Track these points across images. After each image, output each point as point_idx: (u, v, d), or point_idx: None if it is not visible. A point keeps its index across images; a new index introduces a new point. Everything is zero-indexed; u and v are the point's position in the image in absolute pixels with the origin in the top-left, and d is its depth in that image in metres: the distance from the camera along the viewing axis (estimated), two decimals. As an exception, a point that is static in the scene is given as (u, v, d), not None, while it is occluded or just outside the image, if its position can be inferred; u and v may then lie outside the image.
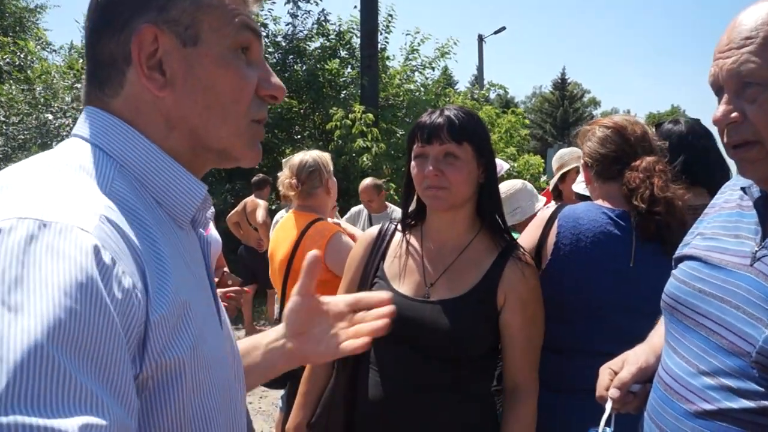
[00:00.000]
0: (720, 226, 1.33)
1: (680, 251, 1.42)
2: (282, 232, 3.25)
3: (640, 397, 1.39)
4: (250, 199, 7.83)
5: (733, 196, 1.37)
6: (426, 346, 1.73)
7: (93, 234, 0.66)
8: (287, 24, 13.25)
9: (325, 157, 3.27)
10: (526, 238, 2.04)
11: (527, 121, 14.95)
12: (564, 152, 3.84)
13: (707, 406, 1.16)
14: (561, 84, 43.09)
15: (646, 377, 1.39)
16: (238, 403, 0.93)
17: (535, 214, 3.88)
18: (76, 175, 0.77)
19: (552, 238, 1.95)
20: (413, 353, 1.74)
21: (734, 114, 1.14)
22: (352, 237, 3.11)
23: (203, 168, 0.94)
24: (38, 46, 15.10)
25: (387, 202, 5.81)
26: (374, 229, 1.99)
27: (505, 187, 3.60)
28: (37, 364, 0.55)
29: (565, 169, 3.62)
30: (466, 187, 1.78)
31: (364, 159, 9.41)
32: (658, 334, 1.52)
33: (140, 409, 0.71)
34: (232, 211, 7.97)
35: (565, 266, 1.93)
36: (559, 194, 3.76)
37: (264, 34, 12.80)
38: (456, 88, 19.95)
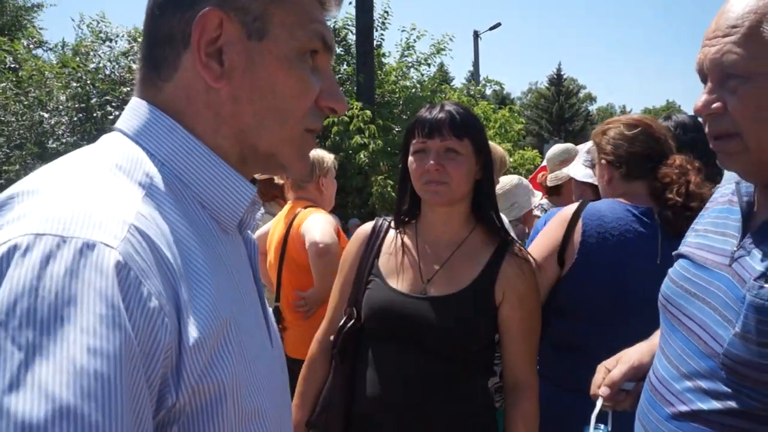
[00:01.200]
0: (711, 222, 1.30)
1: (679, 249, 1.39)
2: (277, 222, 3.31)
3: (633, 396, 1.38)
4: None
5: (727, 190, 1.33)
6: (424, 342, 1.73)
7: (118, 249, 0.61)
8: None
9: (324, 157, 3.29)
10: (549, 237, 2.01)
11: (523, 120, 14.95)
12: (568, 147, 3.80)
13: (683, 408, 1.15)
14: (557, 80, 43.04)
15: (639, 376, 1.39)
16: (288, 429, 0.87)
17: (531, 210, 3.91)
18: (111, 177, 0.71)
19: (577, 237, 1.93)
20: (411, 349, 1.74)
21: (715, 105, 1.11)
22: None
23: (248, 175, 0.86)
24: (32, 45, 15.03)
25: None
26: (367, 226, 1.98)
27: (501, 183, 3.61)
28: (56, 422, 0.52)
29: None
30: (465, 182, 1.78)
31: (362, 156, 9.41)
32: (657, 333, 1.52)
33: None
34: None
35: (592, 265, 1.91)
36: (555, 188, 3.75)
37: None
38: (452, 84, 19.92)
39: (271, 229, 3.35)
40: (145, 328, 0.61)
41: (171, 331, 0.64)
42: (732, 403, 1.08)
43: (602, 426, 1.32)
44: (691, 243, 1.32)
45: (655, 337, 1.49)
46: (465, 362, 1.75)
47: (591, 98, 47.94)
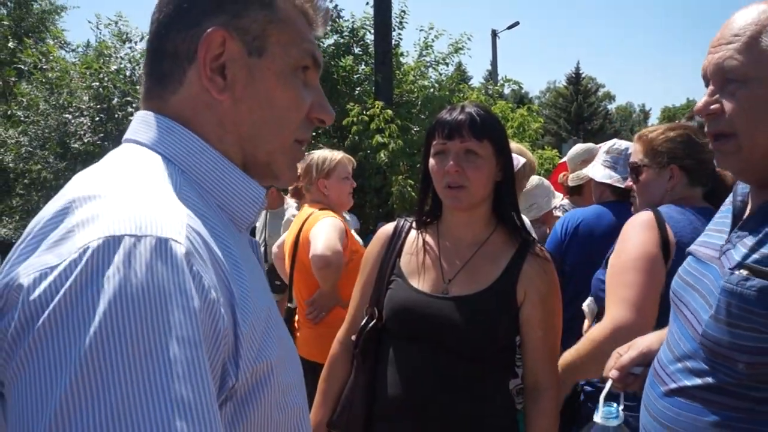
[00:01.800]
0: (715, 221, 1.43)
1: (689, 248, 1.49)
2: (292, 226, 3.35)
3: (641, 379, 1.46)
4: None
5: (735, 190, 1.42)
6: (445, 342, 1.74)
7: (184, 245, 0.67)
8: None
9: (326, 158, 3.24)
10: (643, 241, 1.90)
11: (541, 120, 14.86)
12: (590, 147, 3.75)
13: (673, 386, 1.28)
14: (575, 79, 42.72)
15: (647, 361, 1.46)
16: (306, 402, 0.94)
17: (551, 211, 3.90)
18: (155, 182, 0.77)
19: (672, 239, 1.91)
20: (432, 350, 1.75)
21: (714, 106, 1.22)
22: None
23: None
24: (56, 45, 15.25)
25: (285, 196, 5.59)
26: (390, 227, 2.00)
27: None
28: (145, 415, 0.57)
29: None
30: (485, 185, 1.80)
31: (381, 155, 9.42)
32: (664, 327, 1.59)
33: (231, 415, 0.73)
34: None
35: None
36: (576, 188, 3.74)
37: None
38: (470, 83, 19.87)
39: (288, 230, 3.40)
40: (207, 317, 0.67)
41: (227, 321, 0.70)
42: (710, 379, 1.20)
43: (614, 404, 1.38)
44: (697, 241, 1.44)
45: (658, 330, 1.59)
46: (486, 363, 1.77)
47: (610, 97, 47.56)
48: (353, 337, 1.89)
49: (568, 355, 1.89)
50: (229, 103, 0.87)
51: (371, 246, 2.00)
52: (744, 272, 1.16)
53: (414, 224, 1.96)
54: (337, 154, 3.31)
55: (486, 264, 1.81)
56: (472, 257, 1.82)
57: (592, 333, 1.87)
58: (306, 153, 3.26)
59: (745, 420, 1.14)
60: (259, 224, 5.48)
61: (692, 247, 1.44)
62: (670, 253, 1.88)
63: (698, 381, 1.22)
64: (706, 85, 1.26)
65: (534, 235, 2.14)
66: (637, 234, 1.96)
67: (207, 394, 0.62)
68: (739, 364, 1.14)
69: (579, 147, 3.82)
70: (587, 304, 2.24)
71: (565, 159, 4.20)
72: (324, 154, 3.27)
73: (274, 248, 3.70)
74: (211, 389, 0.63)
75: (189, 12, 0.86)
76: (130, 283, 0.61)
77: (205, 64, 0.84)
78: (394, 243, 1.93)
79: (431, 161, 1.82)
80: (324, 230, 2.97)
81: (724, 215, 1.40)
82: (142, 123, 0.87)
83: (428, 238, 1.90)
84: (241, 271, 0.77)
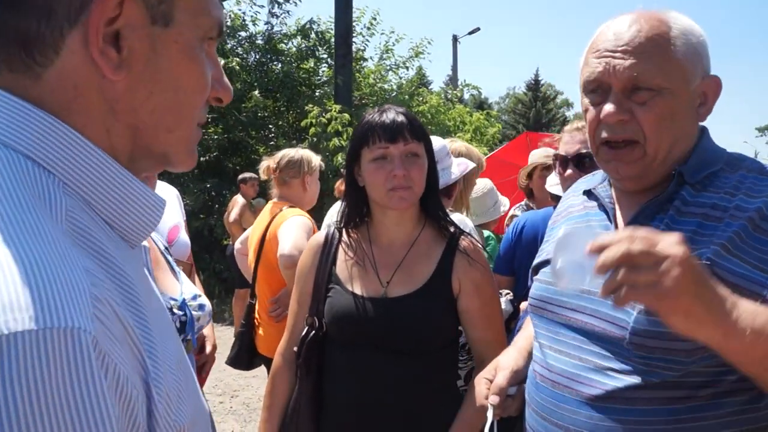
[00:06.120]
0: (574, 227, 1.42)
1: (537, 260, 1.51)
2: (258, 222, 3.36)
3: (518, 399, 1.43)
4: (234, 198, 7.96)
5: (577, 200, 1.48)
6: (389, 344, 1.75)
7: (93, 330, 0.54)
8: (266, 23, 13.21)
9: (312, 157, 3.37)
10: None
11: (499, 125, 15.06)
12: (549, 151, 3.81)
13: (596, 392, 1.22)
14: (534, 85, 43.35)
15: (519, 379, 1.45)
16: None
17: (506, 214, 3.96)
18: (36, 223, 0.58)
19: None
20: (376, 352, 1.75)
21: (624, 114, 1.23)
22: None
23: (137, 174, 0.74)
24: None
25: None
26: (320, 236, 1.99)
27: (476, 187, 3.65)
28: None
29: (530, 167, 3.65)
30: (424, 184, 1.82)
31: (339, 158, 9.42)
32: (523, 337, 1.59)
33: None
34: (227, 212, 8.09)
35: None
36: (531, 193, 3.80)
37: (245, 35, 12.74)
38: (430, 88, 20.02)
39: (252, 228, 3.40)
40: (125, 411, 0.58)
41: (143, 407, 0.61)
42: (643, 377, 1.17)
43: None
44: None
45: (520, 342, 1.58)
46: (431, 360, 1.78)
47: (568, 104, 48.27)
48: (295, 348, 1.88)
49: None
50: (123, 84, 0.68)
51: (304, 256, 1.99)
52: None
53: (343, 230, 1.95)
54: (317, 156, 3.45)
55: (420, 262, 1.83)
56: (406, 256, 1.84)
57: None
58: (268, 166, 3.33)
59: (692, 409, 1.15)
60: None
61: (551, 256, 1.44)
62: None
63: (629, 381, 1.18)
64: (593, 90, 1.27)
65: (476, 236, 2.15)
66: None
67: None
68: (681, 353, 1.14)
69: (541, 151, 3.88)
70: (503, 302, 2.29)
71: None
72: (309, 153, 3.39)
73: (237, 244, 3.71)
74: None
75: None
76: (33, 399, 0.49)
77: (98, 30, 0.64)
78: (327, 251, 1.92)
79: (370, 166, 1.79)
80: (293, 229, 3.01)
81: (581, 221, 1.40)
82: (2, 111, 0.64)
83: (360, 242, 1.90)
84: (150, 332, 0.65)
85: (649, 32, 1.22)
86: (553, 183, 2.88)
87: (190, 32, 0.72)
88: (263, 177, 3.41)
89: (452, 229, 1.89)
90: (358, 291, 1.82)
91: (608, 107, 1.24)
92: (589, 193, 1.43)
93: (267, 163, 3.36)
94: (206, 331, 2.29)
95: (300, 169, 3.31)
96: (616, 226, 1.31)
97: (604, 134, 1.27)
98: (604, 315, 1.24)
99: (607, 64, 1.23)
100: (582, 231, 1.32)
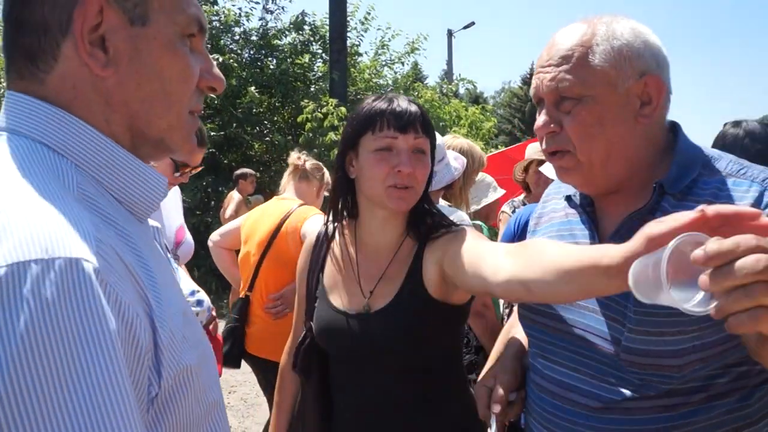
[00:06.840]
0: (556, 235, 1.41)
1: None
2: (263, 215, 3.25)
3: (519, 404, 1.42)
4: (230, 194, 7.97)
5: (559, 205, 1.47)
6: (377, 362, 1.60)
7: (96, 263, 0.63)
8: (260, 19, 13.18)
9: (329, 176, 3.40)
10: None
11: (494, 120, 15.06)
12: (533, 147, 3.83)
13: (595, 404, 1.22)
14: (529, 79, 43.34)
15: (518, 382, 1.43)
16: (221, 396, 0.91)
17: (497, 201, 3.97)
18: (51, 189, 0.69)
19: None
20: (365, 368, 1.62)
21: (553, 125, 1.26)
22: None
23: (142, 160, 0.87)
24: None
25: None
26: (314, 237, 1.83)
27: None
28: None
29: (526, 162, 3.66)
30: (424, 186, 1.62)
31: (335, 153, 9.43)
32: (517, 332, 1.56)
33: (153, 419, 0.71)
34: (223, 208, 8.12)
35: None
36: (527, 187, 3.81)
37: (239, 31, 12.70)
38: (425, 82, 19.98)
39: (249, 221, 3.31)
40: (127, 336, 0.65)
41: (147, 335, 0.68)
42: (640, 389, 1.18)
43: None
44: None
45: (510, 350, 1.53)
46: (429, 368, 1.61)
47: (563, 98, 48.35)
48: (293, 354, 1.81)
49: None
50: (114, 80, 0.79)
51: (300, 258, 1.86)
52: None
53: (334, 230, 1.79)
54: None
55: (399, 270, 1.63)
56: (388, 266, 1.64)
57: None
58: (299, 156, 3.37)
59: (685, 415, 1.16)
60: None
61: None
62: None
63: (626, 392, 1.19)
64: (537, 104, 1.31)
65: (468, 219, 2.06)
66: None
67: (131, 417, 0.61)
68: (673, 369, 1.14)
69: (537, 145, 3.89)
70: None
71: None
72: (328, 173, 3.45)
73: (216, 236, 3.52)
74: (134, 416, 0.62)
75: None
76: (43, 314, 0.57)
77: (83, 36, 0.76)
78: (317, 254, 1.78)
79: (371, 156, 1.57)
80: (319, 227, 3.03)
81: (564, 228, 1.39)
82: (19, 108, 0.77)
83: (348, 247, 1.73)
84: (153, 277, 0.74)
85: (572, 42, 1.24)
86: (549, 168, 2.88)
87: (168, 29, 0.82)
88: (292, 163, 3.39)
89: (425, 228, 1.64)
90: (340, 305, 1.66)
91: (538, 121, 1.29)
92: (569, 199, 1.42)
93: (298, 154, 3.38)
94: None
95: (322, 178, 3.39)
96: (600, 237, 1.31)
97: (543, 146, 1.31)
98: (596, 330, 1.24)
99: (538, 78, 1.28)
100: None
